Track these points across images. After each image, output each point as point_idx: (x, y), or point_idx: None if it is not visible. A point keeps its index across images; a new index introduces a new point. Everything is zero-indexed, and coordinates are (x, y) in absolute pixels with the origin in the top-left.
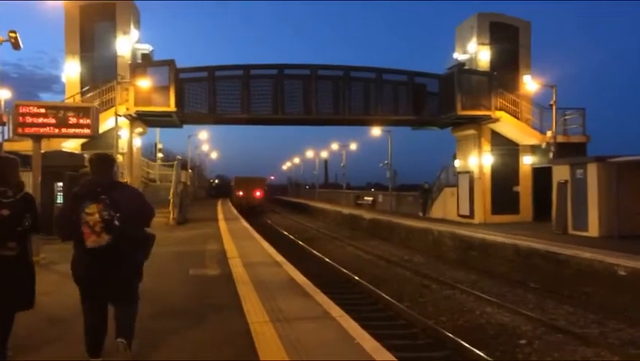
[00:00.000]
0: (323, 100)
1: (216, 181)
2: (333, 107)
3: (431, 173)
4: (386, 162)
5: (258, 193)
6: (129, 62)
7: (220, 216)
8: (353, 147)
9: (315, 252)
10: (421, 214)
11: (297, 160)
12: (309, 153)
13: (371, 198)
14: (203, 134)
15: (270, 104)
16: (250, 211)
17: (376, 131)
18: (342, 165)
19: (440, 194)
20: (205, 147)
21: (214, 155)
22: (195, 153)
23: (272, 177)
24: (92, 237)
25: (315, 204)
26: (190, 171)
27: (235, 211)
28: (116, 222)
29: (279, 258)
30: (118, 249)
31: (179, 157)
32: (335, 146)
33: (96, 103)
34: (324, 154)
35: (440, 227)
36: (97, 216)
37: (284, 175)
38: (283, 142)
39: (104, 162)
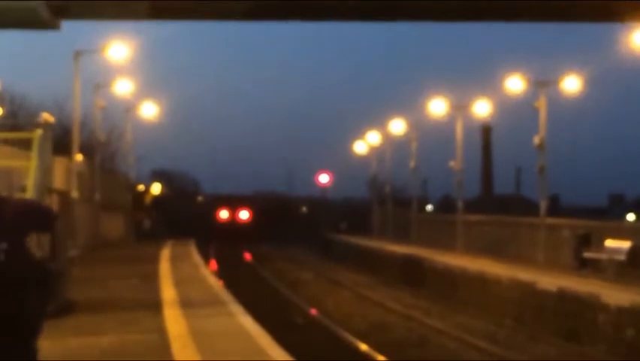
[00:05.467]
0: None
1: (154, 190)
2: None
3: None
4: None
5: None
6: None
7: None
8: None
9: None
10: None
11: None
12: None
13: (627, 245)
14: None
15: None
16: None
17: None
18: (537, 140)
19: None
20: (124, 87)
21: (152, 115)
22: (99, 110)
23: (326, 179)
24: None
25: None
26: (80, 159)
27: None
28: (2, 257)
29: None
30: (8, 290)
31: (47, 117)
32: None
33: None
34: (479, 106)
35: None
36: None
37: (357, 171)
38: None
39: None
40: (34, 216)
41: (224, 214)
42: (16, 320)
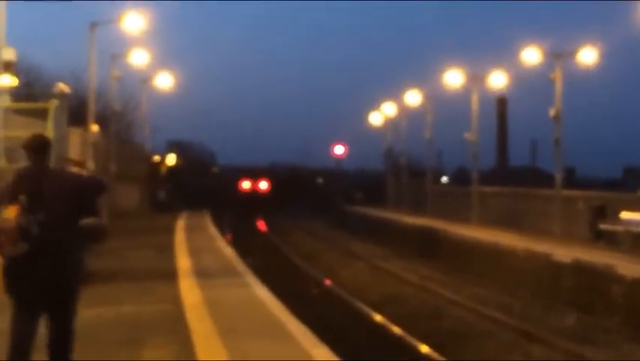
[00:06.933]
0: None
1: (169, 161)
2: None
3: None
4: None
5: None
6: None
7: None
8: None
9: None
10: None
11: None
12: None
13: None
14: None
15: None
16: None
17: None
18: (553, 112)
19: None
20: (139, 58)
21: (167, 86)
22: (115, 81)
23: (341, 150)
24: (8, 246)
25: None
26: (96, 130)
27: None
28: (35, 229)
29: None
30: (46, 254)
31: (63, 87)
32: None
33: None
34: (495, 78)
35: None
36: (13, 222)
37: (372, 142)
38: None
39: (41, 145)
40: (94, 187)
41: (246, 185)
42: (60, 280)
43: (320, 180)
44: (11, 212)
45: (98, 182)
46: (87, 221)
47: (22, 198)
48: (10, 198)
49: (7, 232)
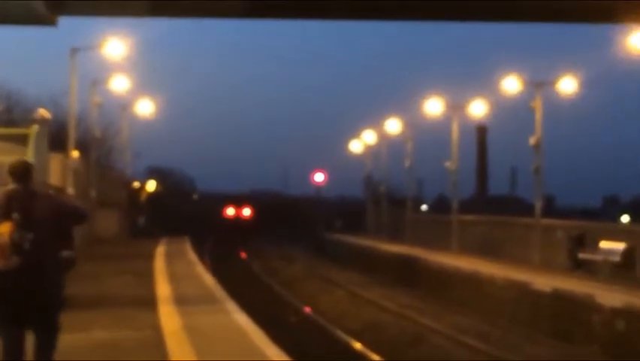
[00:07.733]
0: None
1: (149, 187)
2: None
3: None
4: None
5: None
6: None
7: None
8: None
9: None
10: None
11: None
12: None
13: (621, 246)
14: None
15: None
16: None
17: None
18: (533, 140)
19: None
20: (120, 84)
21: (148, 112)
22: (95, 107)
23: (321, 178)
24: (1, 260)
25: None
26: (76, 156)
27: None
28: (27, 245)
29: None
30: (32, 271)
31: (43, 113)
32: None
33: None
34: (475, 107)
35: None
36: (6, 237)
37: (352, 170)
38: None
39: (26, 170)
40: (76, 215)
41: (230, 211)
42: (43, 297)
43: (301, 208)
44: (5, 228)
45: (81, 211)
46: (65, 254)
47: (16, 216)
48: (3, 216)
49: (1, 246)
